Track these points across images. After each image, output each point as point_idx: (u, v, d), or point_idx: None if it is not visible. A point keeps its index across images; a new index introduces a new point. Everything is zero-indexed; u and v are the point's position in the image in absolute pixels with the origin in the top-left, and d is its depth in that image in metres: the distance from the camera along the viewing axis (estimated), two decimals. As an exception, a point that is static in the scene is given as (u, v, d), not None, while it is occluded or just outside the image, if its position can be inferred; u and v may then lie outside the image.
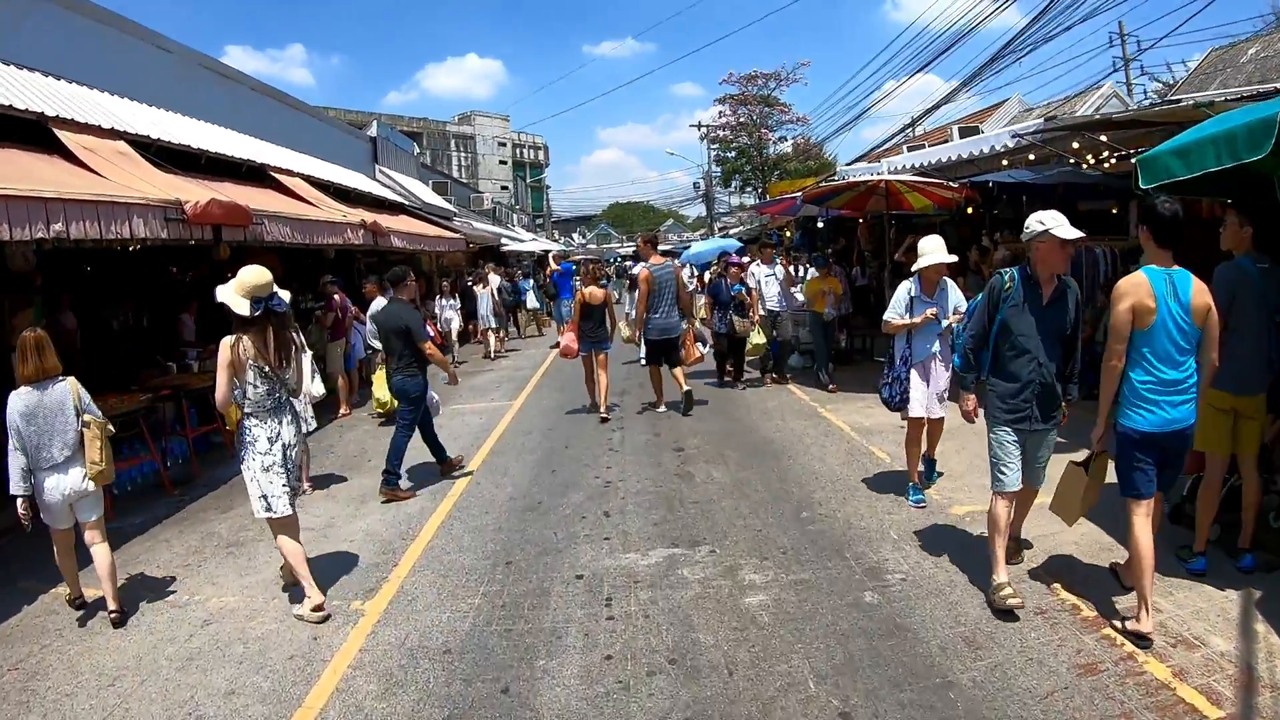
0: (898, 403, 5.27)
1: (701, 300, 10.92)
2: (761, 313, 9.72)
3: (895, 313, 5.21)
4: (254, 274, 3.91)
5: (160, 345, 8.82)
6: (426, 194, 20.33)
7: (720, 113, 28.99)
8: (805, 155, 28.73)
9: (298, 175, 11.49)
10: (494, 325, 15.01)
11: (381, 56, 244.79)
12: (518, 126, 71.71)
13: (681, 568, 4.41)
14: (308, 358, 5.10)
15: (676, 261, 10.01)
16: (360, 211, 11.74)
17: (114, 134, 7.87)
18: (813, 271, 10.02)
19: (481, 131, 68.61)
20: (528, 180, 67.76)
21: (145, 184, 6.78)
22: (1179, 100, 6.06)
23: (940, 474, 5.80)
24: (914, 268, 5.13)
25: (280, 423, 4.04)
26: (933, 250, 5.06)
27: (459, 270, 18.58)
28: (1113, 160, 8.31)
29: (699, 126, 42.52)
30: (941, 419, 5.33)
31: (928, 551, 4.48)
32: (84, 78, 8.55)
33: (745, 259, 11.79)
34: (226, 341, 3.86)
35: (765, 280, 10.05)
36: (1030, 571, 4.13)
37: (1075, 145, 7.45)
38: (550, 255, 15.39)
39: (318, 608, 4.00)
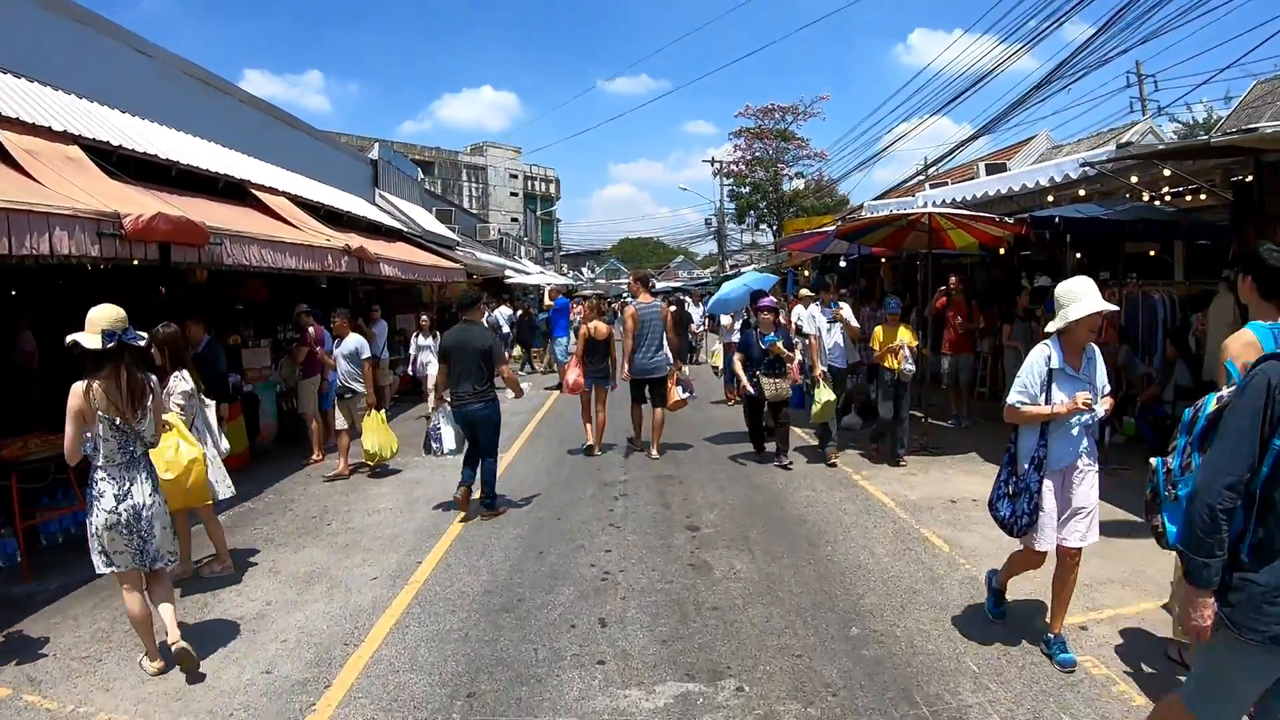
0: (1023, 525, 3.61)
1: (734, 358, 8.60)
2: (821, 368, 7.90)
3: (1027, 394, 3.54)
4: (103, 311, 3.62)
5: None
6: (428, 221, 19.52)
7: (735, 146, 28.36)
8: (820, 192, 27.93)
9: (283, 194, 10.60)
10: None
11: (397, 86, 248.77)
12: (528, 155, 71.85)
13: (700, 716, 3.30)
14: (181, 407, 4.75)
15: (662, 302, 9.69)
16: (348, 235, 10.82)
17: (67, 137, 6.96)
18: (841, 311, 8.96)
19: (493, 162, 68.82)
20: (538, 213, 67.52)
21: (83, 193, 5.82)
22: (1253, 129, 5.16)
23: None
24: (1052, 326, 3.53)
25: (133, 480, 3.69)
26: (1084, 295, 3.39)
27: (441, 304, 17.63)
28: (1198, 195, 7.36)
29: (712, 162, 41.98)
30: (1079, 550, 3.62)
31: (1024, 696, 3.36)
32: (49, 77, 7.72)
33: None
34: (77, 388, 3.54)
35: (824, 329, 8.41)
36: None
37: (1166, 172, 6.49)
38: (545, 289, 14.36)
39: (159, 671, 3.72)
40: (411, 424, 10.26)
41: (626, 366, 8.22)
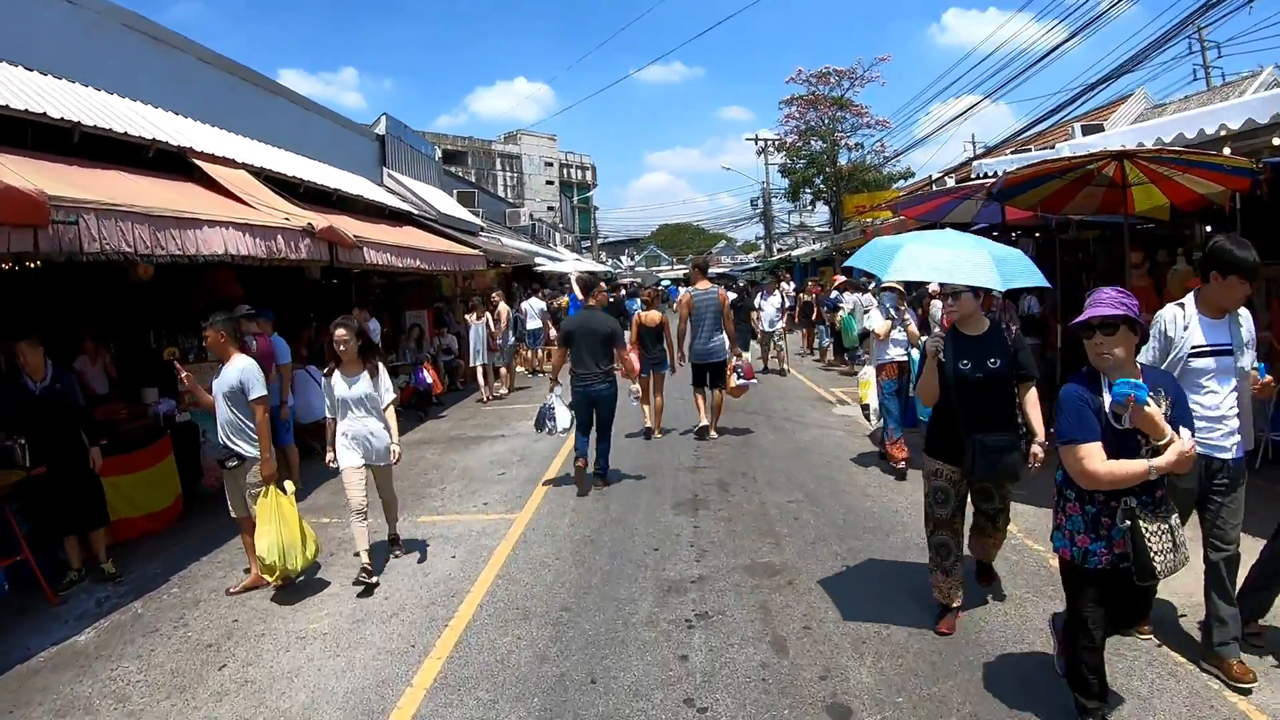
0: None
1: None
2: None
3: None
4: None
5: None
6: (446, 204, 17.28)
7: (786, 116, 25.40)
8: (886, 164, 25.00)
9: (243, 167, 8.40)
10: (485, 361, 11.87)
11: (432, 80, 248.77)
12: (564, 145, 69.73)
13: None
14: None
15: (721, 288, 8.96)
16: (330, 216, 8.59)
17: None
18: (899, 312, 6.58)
19: (528, 151, 67.04)
20: (574, 201, 65.43)
21: None
22: None
23: None
24: None
25: None
26: None
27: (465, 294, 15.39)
28: None
29: (755, 140, 39.29)
30: None
31: None
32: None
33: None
34: None
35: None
36: None
37: None
38: (573, 278, 11.95)
39: None
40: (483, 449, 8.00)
41: (682, 351, 8.33)
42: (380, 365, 4.99)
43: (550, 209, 56.63)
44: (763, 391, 10.41)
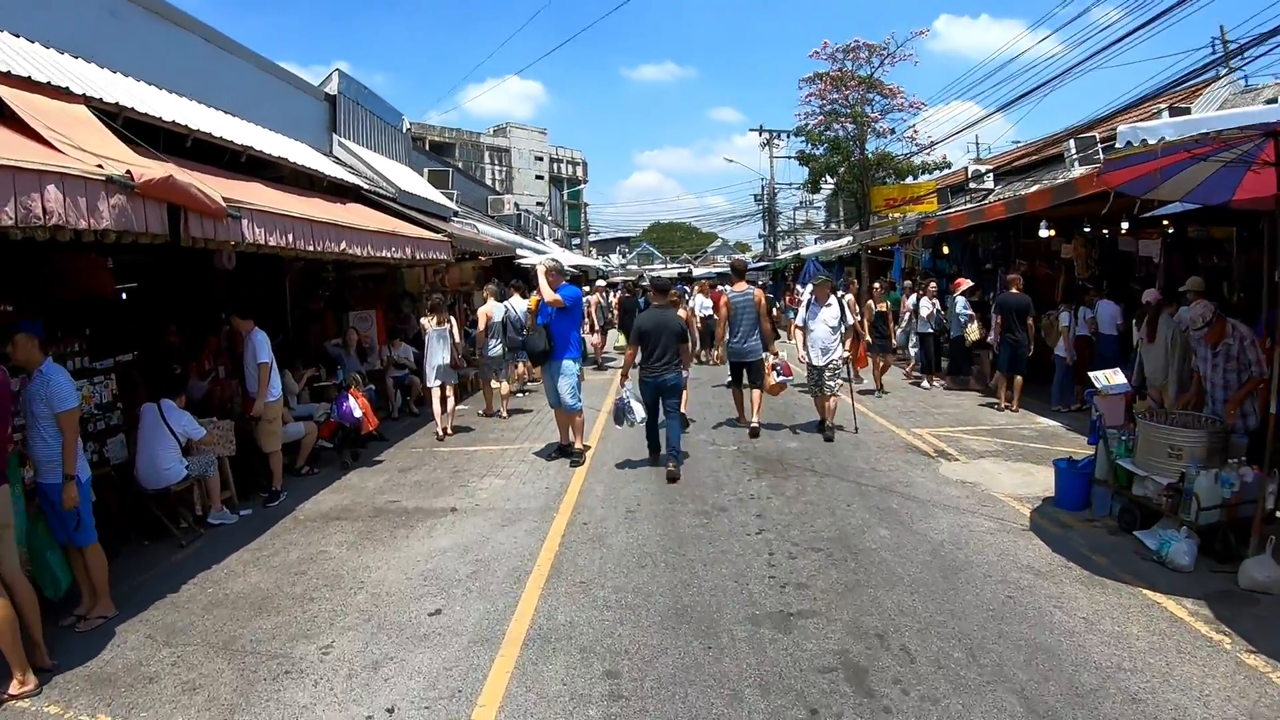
0: None
1: None
2: None
3: None
4: None
5: None
6: (414, 183, 14.20)
7: (807, 95, 22.29)
8: (915, 152, 22.03)
9: (83, 100, 5.44)
10: (452, 380, 9.01)
11: (423, 76, 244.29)
12: (554, 141, 66.84)
13: None
14: None
15: (757, 289, 8.77)
16: (149, 163, 5.55)
17: None
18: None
19: (517, 144, 64.50)
20: (564, 197, 62.56)
21: None
22: None
23: None
24: None
25: None
26: None
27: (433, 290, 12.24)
28: None
29: (760, 131, 36.23)
30: None
31: None
32: None
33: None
34: None
35: None
36: None
37: None
38: (540, 270, 8.92)
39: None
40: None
41: (719, 350, 9.81)
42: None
43: (539, 204, 53.71)
44: (833, 445, 7.60)
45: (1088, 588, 4.20)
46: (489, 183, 44.50)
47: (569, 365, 7.18)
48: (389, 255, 8.22)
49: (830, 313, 8.15)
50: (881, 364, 11.19)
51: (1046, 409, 9.08)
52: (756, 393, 8.33)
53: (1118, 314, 8.59)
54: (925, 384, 11.36)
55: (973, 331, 10.40)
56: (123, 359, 6.25)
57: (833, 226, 41.39)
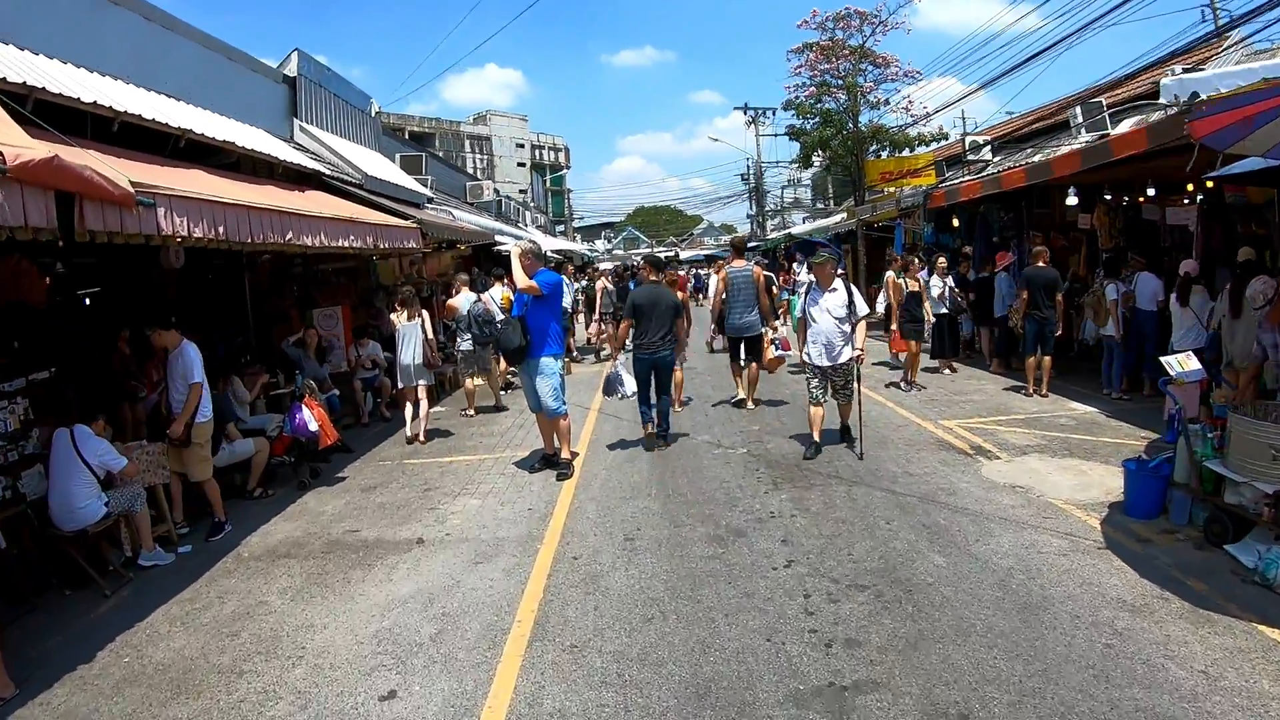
0: None
1: None
2: None
3: None
4: None
5: None
6: (383, 168, 13.22)
7: (796, 67, 21.28)
8: (911, 123, 21.14)
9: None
10: (427, 380, 8.20)
11: (402, 68, 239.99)
12: (535, 128, 65.54)
13: None
14: None
15: (756, 266, 8.73)
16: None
17: None
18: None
19: (498, 132, 63.26)
20: (547, 183, 61.52)
21: None
22: None
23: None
24: None
25: None
26: None
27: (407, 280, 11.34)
28: None
29: (745, 109, 35.23)
30: None
31: None
32: None
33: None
34: None
35: None
36: None
37: None
38: (514, 254, 8.06)
39: None
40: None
41: (715, 327, 9.34)
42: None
43: (522, 191, 52.67)
44: (856, 445, 6.71)
45: (1195, 626, 3.43)
46: (470, 171, 43.35)
47: (549, 363, 6.25)
48: (347, 245, 7.31)
49: (835, 299, 6.36)
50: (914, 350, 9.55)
51: (1077, 393, 8.32)
52: (754, 367, 8.58)
53: (1159, 289, 7.80)
54: (947, 370, 10.53)
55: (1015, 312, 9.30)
56: (37, 377, 5.37)
57: (819, 205, 40.53)
